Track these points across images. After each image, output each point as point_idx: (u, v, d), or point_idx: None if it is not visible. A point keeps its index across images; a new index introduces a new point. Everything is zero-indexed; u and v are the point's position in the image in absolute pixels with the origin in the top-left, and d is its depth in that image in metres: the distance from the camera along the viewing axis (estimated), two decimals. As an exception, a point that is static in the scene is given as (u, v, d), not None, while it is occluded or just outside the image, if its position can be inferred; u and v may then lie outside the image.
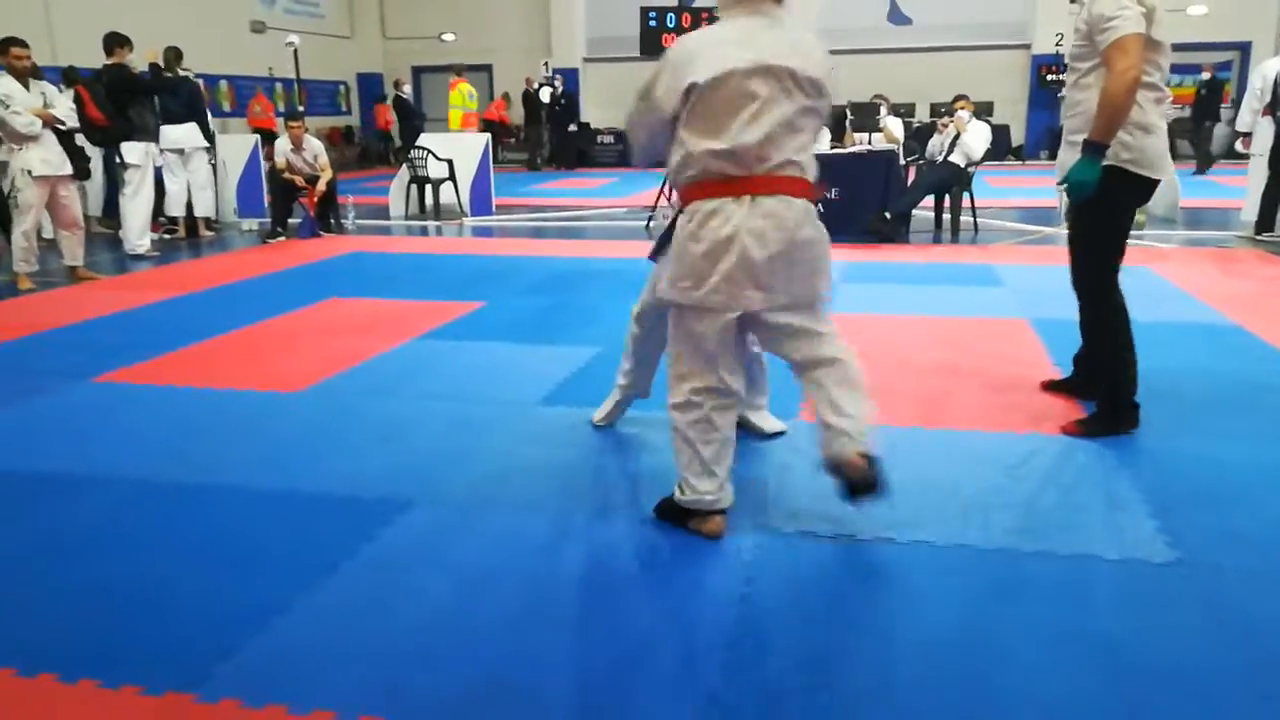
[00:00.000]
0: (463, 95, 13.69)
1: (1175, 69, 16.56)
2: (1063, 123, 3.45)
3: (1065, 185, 3.28)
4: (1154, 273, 6.44)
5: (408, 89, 17.02)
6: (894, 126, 10.14)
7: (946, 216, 8.48)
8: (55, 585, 2.45)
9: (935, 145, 8.87)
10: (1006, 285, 6.11)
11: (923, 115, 16.69)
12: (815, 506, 2.83)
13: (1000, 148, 14.80)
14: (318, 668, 2.07)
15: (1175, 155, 9.92)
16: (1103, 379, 3.51)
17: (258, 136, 10.00)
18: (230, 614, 2.28)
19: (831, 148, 9.75)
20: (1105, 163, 3.15)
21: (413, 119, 15.89)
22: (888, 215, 7.91)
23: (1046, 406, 3.74)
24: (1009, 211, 9.62)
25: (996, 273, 6.55)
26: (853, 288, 6.15)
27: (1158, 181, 3.31)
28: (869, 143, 10.27)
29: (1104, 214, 3.30)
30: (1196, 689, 1.96)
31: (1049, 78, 14.56)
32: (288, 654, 2.12)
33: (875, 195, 8.02)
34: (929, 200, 8.52)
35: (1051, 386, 3.99)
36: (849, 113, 11.75)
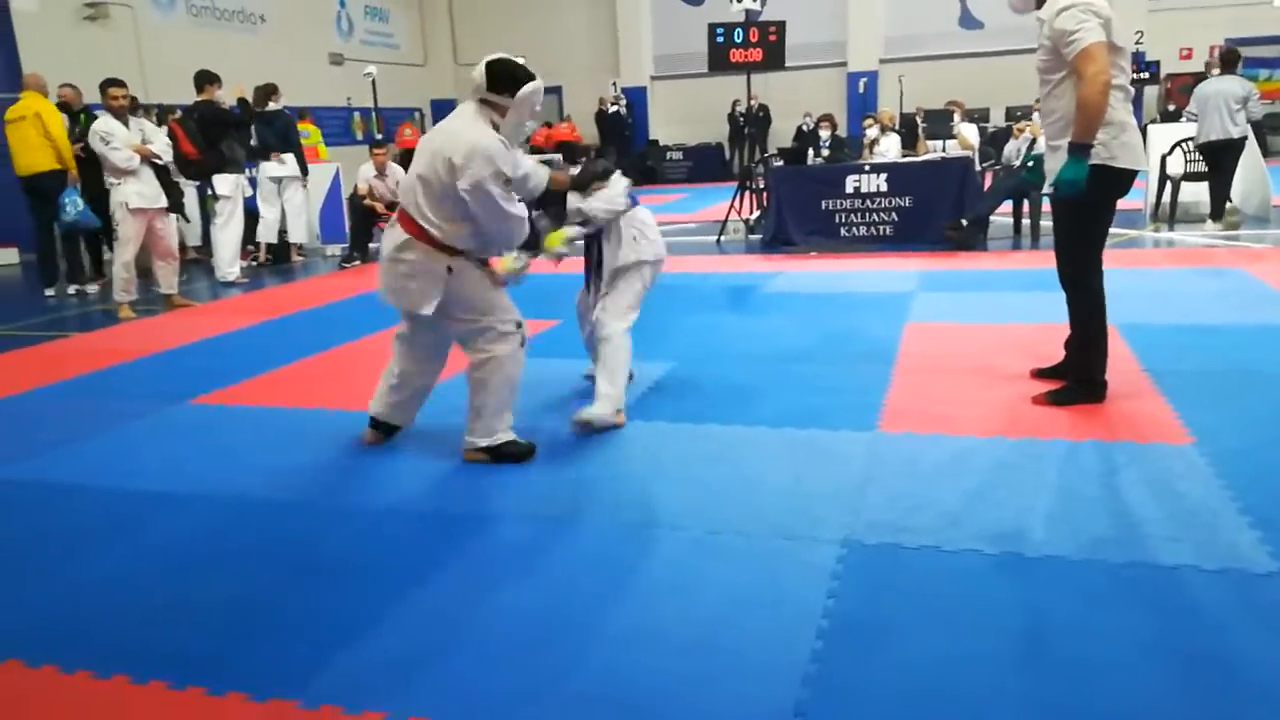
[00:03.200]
0: None
1: (1265, 63, 15.96)
2: (1041, 130, 3.63)
3: (1054, 187, 3.55)
4: (1249, 274, 6.19)
5: None
6: (968, 133, 9.98)
7: (1025, 222, 8.30)
8: (160, 598, 2.57)
9: (1011, 150, 8.71)
10: (1090, 291, 5.94)
11: (997, 120, 16.36)
12: (899, 518, 2.81)
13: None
14: (410, 676, 2.13)
15: (1267, 152, 9.55)
16: (1078, 357, 3.82)
17: (338, 165, 10.33)
18: (327, 625, 2.37)
19: (903, 156, 9.64)
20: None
21: None
22: (964, 222, 7.78)
23: (1135, 414, 3.63)
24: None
25: (1079, 278, 6.37)
26: (930, 296, 6.07)
27: (1135, 173, 3.59)
28: (943, 150, 10.13)
29: (1087, 209, 3.60)
30: None
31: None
32: (383, 663, 2.19)
33: (951, 203, 7.91)
34: (1006, 206, 8.36)
35: (1041, 374, 4.08)
36: (921, 120, 11.62)
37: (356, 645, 2.27)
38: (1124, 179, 3.57)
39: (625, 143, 18.19)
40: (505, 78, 3.25)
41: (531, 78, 3.28)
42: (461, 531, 2.88)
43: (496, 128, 3.23)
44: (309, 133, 12.62)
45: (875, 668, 2.08)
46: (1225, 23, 16.34)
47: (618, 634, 2.27)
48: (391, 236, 3.35)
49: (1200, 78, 14.04)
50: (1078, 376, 3.83)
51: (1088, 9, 3.38)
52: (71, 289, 7.94)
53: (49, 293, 7.89)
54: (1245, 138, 8.15)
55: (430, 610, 2.43)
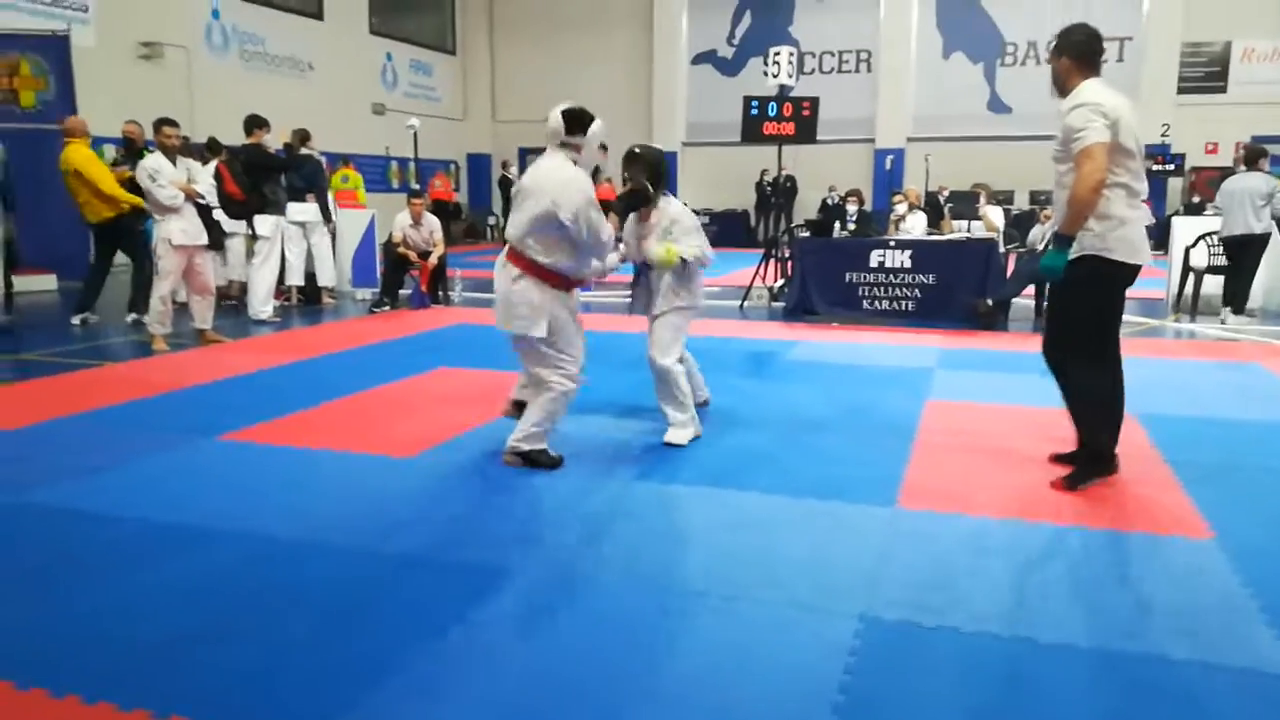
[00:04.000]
0: None
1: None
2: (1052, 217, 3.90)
3: (1040, 271, 3.80)
4: (1266, 369, 6.21)
5: (514, 170, 17.78)
6: (994, 215, 10.11)
7: (1047, 304, 8.36)
8: (183, 633, 2.60)
9: (1036, 234, 8.81)
10: (1111, 378, 5.96)
11: (1022, 203, 16.55)
12: (917, 596, 2.82)
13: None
14: (430, 724, 2.15)
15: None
16: (1086, 437, 3.92)
17: (374, 212, 10.56)
18: (348, 670, 2.39)
19: (928, 234, 9.77)
20: (1082, 252, 3.67)
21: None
22: (990, 302, 7.86)
23: (1154, 504, 3.64)
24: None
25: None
26: (951, 374, 6.11)
27: (1136, 266, 3.75)
28: (968, 230, 10.25)
29: (1083, 296, 3.78)
30: None
31: (1154, 168, 14.32)
32: (399, 712, 2.22)
33: (975, 282, 8.00)
34: (1030, 289, 8.43)
35: (1059, 459, 4.12)
36: (944, 199, 11.77)
37: (380, 690, 2.29)
38: (1122, 272, 3.72)
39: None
40: (575, 121, 3.93)
41: (594, 119, 3.97)
42: (480, 584, 2.91)
43: (576, 164, 3.93)
44: (349, 177, 12.95)
45: (889, 745, 2.09)
46: (1251, 119, 16.56)
47: (629, 698, 2.28)
48: (505, 273, 3.98)
49: (1226, 172, 14.19)
50: (1085, 451, 3.93)
51: (1097, 109, 3.55)
52: (131, 317, 8.11)
53: (74, 320, 8.06)
54: (1269, 234, 8.24)
55: (446, 659, 2.45)
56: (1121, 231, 3.66)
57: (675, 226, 4.45)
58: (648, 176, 4.43)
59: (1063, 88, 3.76)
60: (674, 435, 4.47)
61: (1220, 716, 2.21)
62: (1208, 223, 9.48)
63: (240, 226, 8.80)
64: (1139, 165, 3.72)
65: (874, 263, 8.36)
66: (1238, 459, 4.24)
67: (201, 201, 7.12)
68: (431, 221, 9.37)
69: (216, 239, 7.33)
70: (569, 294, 4.14)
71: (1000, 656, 2.48)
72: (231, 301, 9.16)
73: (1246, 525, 3.40)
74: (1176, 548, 3.21)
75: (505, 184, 17.36)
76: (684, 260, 4.42)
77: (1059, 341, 3.91)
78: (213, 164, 8.59)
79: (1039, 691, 2.32)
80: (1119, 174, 3.63)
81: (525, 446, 4.05)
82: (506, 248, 3.99)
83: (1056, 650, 2.51)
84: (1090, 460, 3.89)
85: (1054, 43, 3.83)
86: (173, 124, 7.12)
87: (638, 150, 4.51)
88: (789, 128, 9.63)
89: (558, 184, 3.82)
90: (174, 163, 6.99)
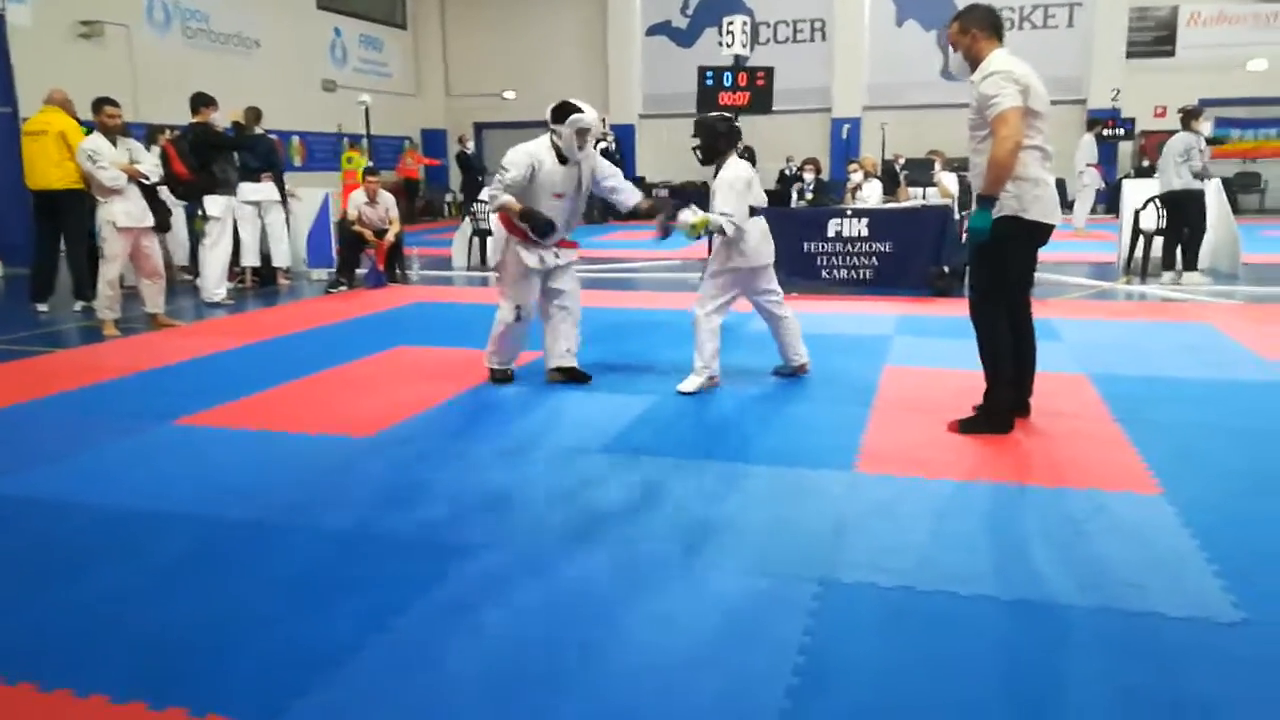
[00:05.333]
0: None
1: (1238, 123, 16.39)
2: (970, 182, 4.10)
3: (966, 233, 3.95)
4: (1216, 329, 6.36)
5: (471, 145, 17.55)
6: (949, 182, 10.18)
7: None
8: (140, 618, 2.57)
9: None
10: (1064, 340, 6.07)
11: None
12: (875, 558, 2.86)
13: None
14: (391, 706, 2.14)
15: (1237, 209, 9.82)
16: (986, 392, 4.11)
17: (328, 191, 10.38)
18: (305, 651, 2.37)
19: (884, 202, 9.83)
20: (1000, 213, 3.84)
21: (475, 173, 16.38)
22: (945, 269, 7.93)
23: (1106, 462, 3.72)
24: (1066, 266, 9.56)
25: (1054, 327, 6.51)
26: (908, 340, 6.18)
27: (1049, 226, 3.96)
28: (924, 197, 10.33)
29: (997, 255, 3.96)
30: None
31: (1104, 133, 14.51)
32: (361, 692, 2.20)
33: (930, 249, 8.07)
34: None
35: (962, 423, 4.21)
36: (901, 167, 11.85)
37: (336, 671, 2.28)
38: (1037, 231, 3.94)
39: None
40: (557, 112, 4.83)
41: (577, 111, 4.79)
42: (444, 559, 2.90)
43: (557, 146, 4.86)
44: (353, 159, 12.75)
45: (850, 706, 2.12)
46: (1200, 83, 16.81)
47: (593, 668, 2.29)
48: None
49: (1173, 134, 14.43)
50: (984, 406, 4.12)
51: (1008, 77, 3.76)
52: (78, 306, 7.89)
53: (42, 308, 7.84)
54: (1197, 190, 8.42)
55: (410, 638, 2.44)
56: (1037, 192, 3.86)
57: (716, 192, 4.82)
58: (702, 143, 4.92)
59: (973, 60, 3.96)
60: (683, 383, 4.87)
61: (1174, 666, 2.27)
62: (1157, 185, 9.66)
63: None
64: (1047, 127, 3.91)
65: (831, 232, 8.39)
66: (1186, 416, 4.34)
67: (146, 182, 6.93)
68: (387, 199, 9.23)
69: (163, 221, 7.16)
70: (524, 245, 4.91)
71: (958, 615, 2.52)
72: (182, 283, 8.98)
73: (1194, 481, 3.48)
74: (1127, 504, 3.28)
75: (463, 159, 17.16)
76: (709, 228, 4.81)
77: (978, 296, 4.09)
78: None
79: (997, 648, 2.36)
80: (1032, 136, 3.82)
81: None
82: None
83: (1014, 607, 2.56)
84: (981, 414, 4.10)
85: (958, 21, 4.01)
86: (115, 104, 6.92)
87: (697, 119, 5.12)
88: (744, 98, 9.60)
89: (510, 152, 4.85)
90: (114, 143, 6.80)
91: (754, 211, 4.89)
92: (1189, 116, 8.68)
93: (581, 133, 4.80)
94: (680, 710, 2.11)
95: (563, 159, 4.86)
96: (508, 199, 4.79)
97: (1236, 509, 3.22)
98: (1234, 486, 3.43)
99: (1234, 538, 2.97)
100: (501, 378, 5.18)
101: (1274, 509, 3.22)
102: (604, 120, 18.88)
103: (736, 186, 4.78)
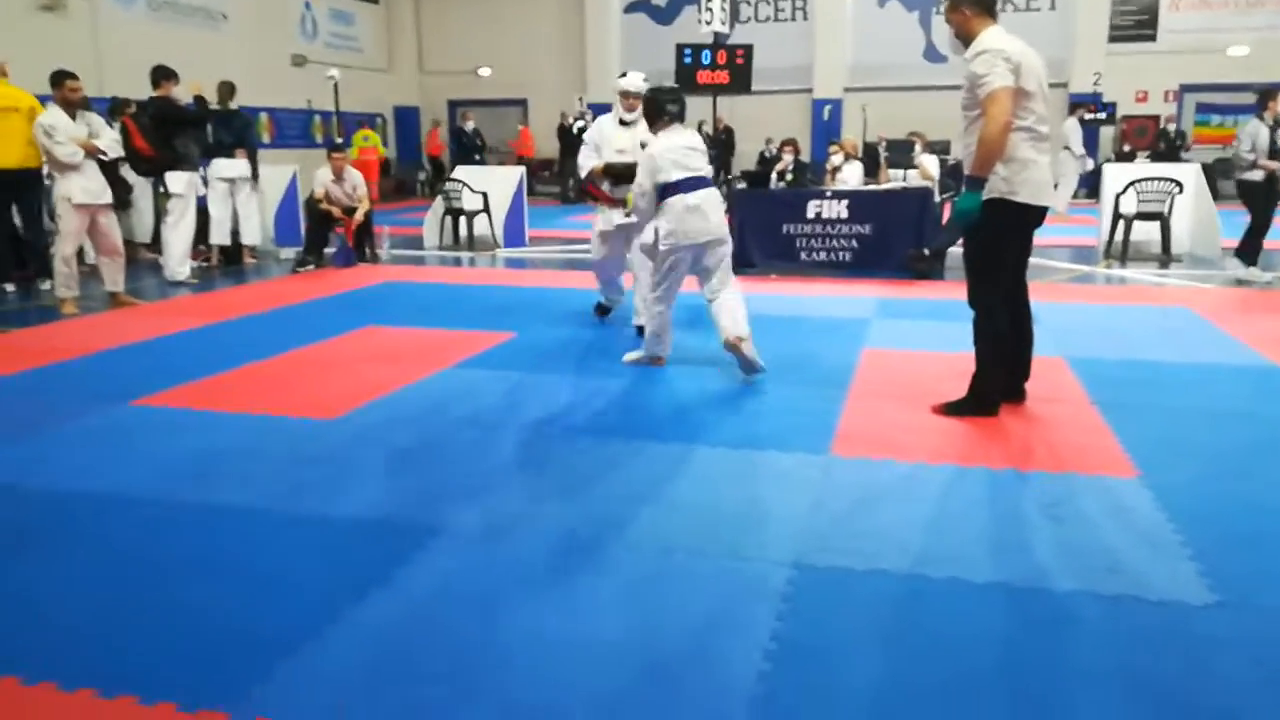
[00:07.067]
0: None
1: (1217, 109, 16.44)
2: (962, 161, 4.01)
3: (954, 216, 3.87)
4: (1195, 313, 6.34)
5: (471, 123, 17.32)
6: (929, 164, 10.13)
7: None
8: (93, 603, 2.48)
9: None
10: (1042, 323, 5.98)
11: (957, 152, 16.63)
12: (849, 542, 2.80)
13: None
14: (351, 692, 2.07)
15: (1217, 195, 9.82)
16: (976, 377, 4.01)
17: (295, 168, 10.17)
18: (263, 636, 2.30)
19: (865, 184, 9.76)
20: (989, 195, 3.75)
21: (471, 152, 16.22)
22: (926, 252, 7.87)
23: (1083, 446, 3.68)
24: (1046, 250, 9.52)
25: (1034, 311, 6.44)
26: (887, 323, 6.12)
27: (1040, 208, 3.86)
28: (904, 179, 10.27)
29: (987, 239, 3.87)
30: None
31: (1087, 116, 14.49)
32: (320, 678, 2.13)
33: (910, 232, 8.00)
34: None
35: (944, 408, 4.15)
36: (883, 149, 11.78)
37: (294, 658, 2.20)
38: (1027, 213, 3.84)
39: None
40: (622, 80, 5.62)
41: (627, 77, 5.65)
42: (406, 545, 2.81)
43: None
44: (369, 137, 12.47)
45: (821, 690, 2.07)
46: (1180, 67, 16.85)
47: (562, 653, 2.23)
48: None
49: (1155, 120, 14.39)
50: (971, 389, 4.02)
51: (999, 55, 3.67)
52: (47, 284, 7.64)
53: (8, 287, 7.60)
54: (1255, 181, 7.59)
55: (370, 625, 2.37)
56: (1026, 174, 3.76)
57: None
58: (644, 112, 4.98)
59: (965, 38, 3.87)
60: (627, 355, 5.08)
61: (1149, 649, 2.23)
62: (1138, 170, 9.63)
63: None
64: (1043, 109, 3.82)
65: (811, 214, 8.30)
66: (1163, 400, 4.31)
67: (105, 158, 6.73)
68: (354, 176, 9.04)
69: (121, 198, 6.96)
70: (603, 207, 5.65)
71: (933, 599, 2.48)
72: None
73: (1171, 465, 3.44)
74: (1104, 488, 3.24)
75: (460, 136, 17.03)
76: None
77: (975, 286, 3.99)
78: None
79: (972, 632, 2.31)
80: (1023, 117, 3.73)
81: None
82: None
83: (988, 590, 2.51)
84: (970, 398, 4.01)
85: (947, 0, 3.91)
86: (73, 77, 6.69)
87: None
88: (723, 76, 9.48)
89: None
90: (74, 118, 6.59)
91: (684, 186, 4.57)
92: (1265, 98, 7.63)
93: (624, 95, 5.53)
94: (651, 695, 2.06)
95: (623, 122, 5.59)
96: (594, 160, 5.61)
97: (1212, 492, 3.19)
98: (1210, 470, 3.40)
99: (1209, 521, 2.95)
100: (599, 310, 6.13)
101: (1249, 492, 3.19)
102: (580, 99, 18.71)
103: (650, 162, 4.62)
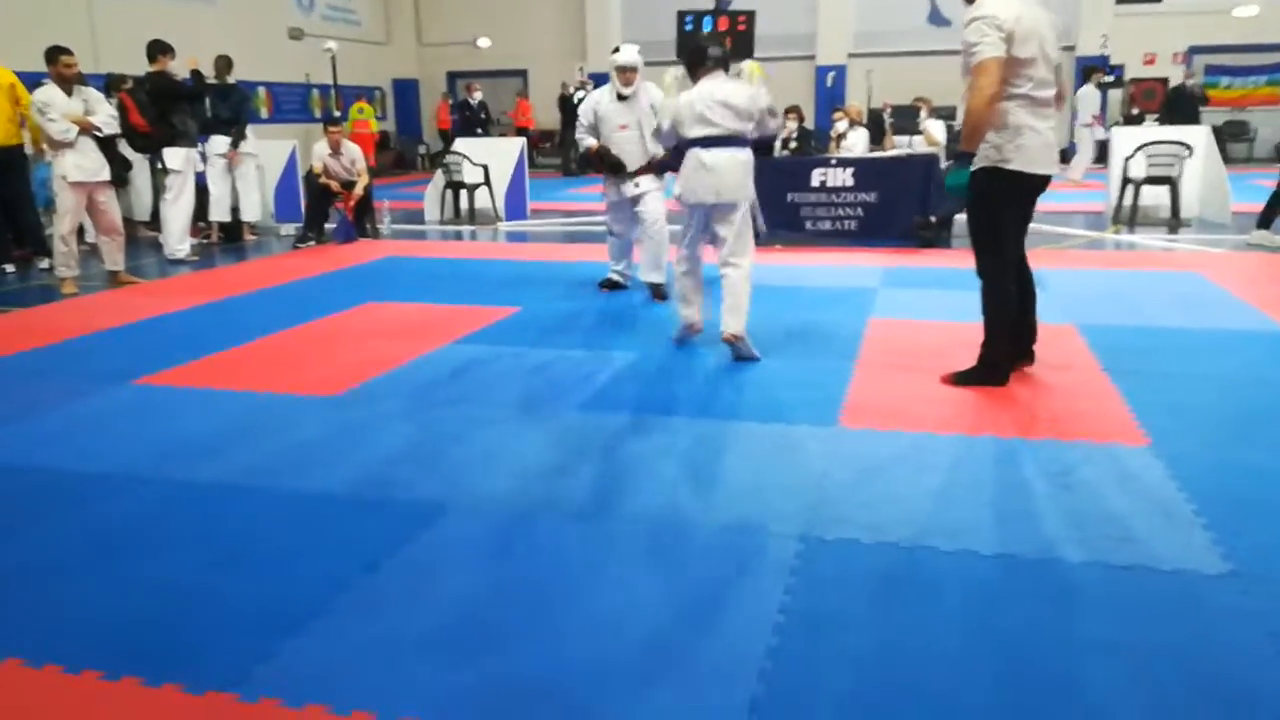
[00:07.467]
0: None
1: (1226, 70, 16.17)
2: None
3: (947, 189, 3.88)
4: (1205, 278, 6.26)
5: (478, 94, 17.15)
6: (935, 129, 10.00)
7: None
8: (97, 584, 2.47)
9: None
10: (1051, 290, 5.94)
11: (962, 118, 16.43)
12: (858, 514, 2.78)
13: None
14: (357, 668, 2.06)
15: (1227, 159, 9.68)
16: (985, 347, 3.95)
17: (295, 142, 10.08)
18: (270, 614, 2.29)
19: (870, 151, 9.64)
20: (980, 164, 3.71)
21: (474, 125, 16.08)
22: (932, 219, 7.78)
23: (1093, 414, 3.63)
24: (1054, 216, 9.42)
25: (1042, 278, 6.35)
26: (894, 292, 6.06)
27: (1039, 176, 3.76)
28: (910, 146, 10.14)
29: (985, 208, 3.83)
30: (1246, 701, 1.91)
31: (1104, 81, 14.29)
32: (328, 655, 2.12)
33: (916, 199, 7.90)
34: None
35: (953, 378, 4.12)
36: (888, 115, 11.63)
37: (300, 635, 2.19)
38: (1022, 181, 3.74)
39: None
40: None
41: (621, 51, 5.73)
42: (412, 521, 2.79)
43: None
44: (364, 110, 12.24)
45: (830, 664, 2.05)
46: (1188, 29, 16.59)
47: (570, 628, 2.21)
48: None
49: (1163, 82, 14.11)
50: (979, 358, 3.96)
51: (991, 22, 3.56)
52: (46, 263, 7.61)
53: (8, 268, 7.56)
54: None
55: (378, 599, 2.36)
56: (1019, 141, 3.67)
57: None
58: (688, 64, 4.75)
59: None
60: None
61: (1161, 617, 2.20)
62: (1147, 133, 9.48)
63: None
64: (1045, 73, 3.69)
65: (815, 182, 8.20)
66: (1174, 366, 4.26)
67: (100, 135, 6.64)
68: (352, 150, 8.93)
69: (120, 174, 6.89)
70: (609, 178, 5.81)
71: (942, 570, 2.45)
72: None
73: (1182, 432, 3.41)
74: (1115, 456, 3.20)
75: (465, 108, 16.90)
76: None
77: (979, 256, 3.94)
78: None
79: (983, 603, 2.29)
80: (1019, 84, 3.64)
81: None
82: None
83: (998, 561, 2.49)
84: (979, 368, 3.95)
85: None
86: (68, 53, 6.60)
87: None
88: (725, 43, 9.34)
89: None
90: (69, 94, 6.51)
91: (703, 143, 4.39)
92: None
93: (620, 70, 5.61)
94: (658, 668, 2.04)
95: (621, 97, 5.62)
96: (589, 141, 5.71)
97: (1224, 460, 3.15)
98: (1222, 437, 3.36)
99: (1221, 489, 2.91)
100: (607, 284, 6.14)
101: (1261, 459, 3.15)
102: (581, 69, 18.49)
103: (673, 110, 4.53)
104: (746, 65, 5.22)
